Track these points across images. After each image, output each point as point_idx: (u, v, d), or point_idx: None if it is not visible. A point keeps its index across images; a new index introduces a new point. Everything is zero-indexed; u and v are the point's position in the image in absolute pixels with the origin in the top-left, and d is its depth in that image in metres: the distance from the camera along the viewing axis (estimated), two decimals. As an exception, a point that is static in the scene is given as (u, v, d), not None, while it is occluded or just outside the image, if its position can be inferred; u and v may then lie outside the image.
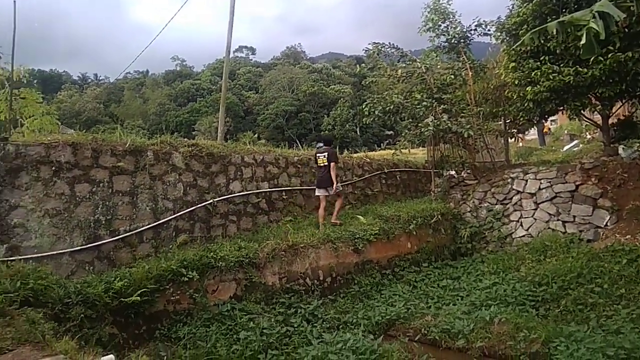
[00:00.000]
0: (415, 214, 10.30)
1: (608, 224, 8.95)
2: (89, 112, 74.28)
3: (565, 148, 20.94)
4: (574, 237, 9.09)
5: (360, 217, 9.80)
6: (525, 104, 10.33)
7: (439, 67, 12.53)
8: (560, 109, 10.88)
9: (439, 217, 10.66)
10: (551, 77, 9.27)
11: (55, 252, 6.34)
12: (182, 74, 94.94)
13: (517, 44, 8.80)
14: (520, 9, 10.17)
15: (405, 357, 5.68)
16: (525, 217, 10.24)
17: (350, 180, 11.69)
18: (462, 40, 12.90)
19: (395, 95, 11.81)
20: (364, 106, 12.24)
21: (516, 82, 10.15)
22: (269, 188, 9.72)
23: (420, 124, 11.31)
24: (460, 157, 12.36)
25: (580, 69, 8.93)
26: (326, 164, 9.39)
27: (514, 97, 10.59)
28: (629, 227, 8.49)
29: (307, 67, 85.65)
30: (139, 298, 5.75)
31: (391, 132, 55.47)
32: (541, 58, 9.56)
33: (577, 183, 9.61)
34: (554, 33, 4.44)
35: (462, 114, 11.65)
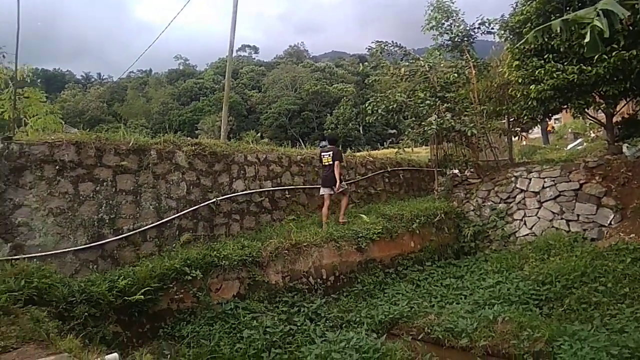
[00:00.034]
0: (418, 212, 10.29)
1: (612, 222, 8.92)
2: (93, 111, 74.59)
3: (569, 147, 20.84)
4: (577, 236, 9.07)
5: (363, 215, 9.80)
6: (529, 103, 10.29)
7: (442, 65, 12.51)
8: (564, 107, 10.84)
9: (442, 215, 10.65)
10: (555, 76, 9.23)
11: (59, 251, 6.36)
12: (185, 73, 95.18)
13: (520, 42, 8.78)
14: (524, 7, 10.12)
15: (408, 356, 5.67)
16: (528, 216, 10.22)
17: (353, 179, 11.69)
18: (465, 39, 12.85)
19: (399, 94, 11.79)
20: (367, 105, 12.22)
21: (520, 81, 10.11)
22: (272, 187, 9.72)
23: (423, 123, 11.30)
24: (463, 155, 12.34)
25: (585, 67, 8.89)
26: (331, 163, 9.40)
27: (518, 96, 10.54)
28: (633, 226, 8.46)
29: (310, 66, 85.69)
30: (142, 297, 5.76)
31: (394, 130, 55.52)
32: (545, 56, 9.52)
33: (581, 182, 9.57)
34: (558, 31, 4.43)
35: (466, 113, 11.61)
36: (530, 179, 10.46)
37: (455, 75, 11.94)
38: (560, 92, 9.69)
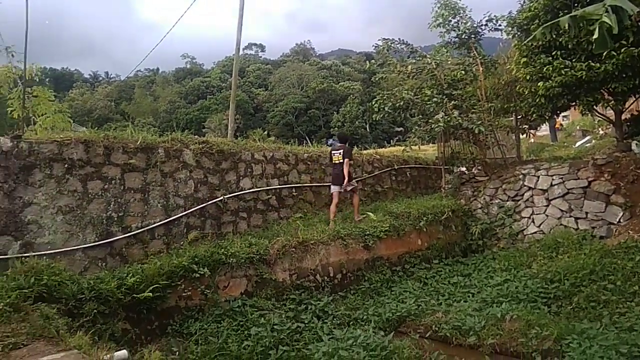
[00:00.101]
0: (425, 210, 10.26)
1: (621, 220, 8.86)
2: (101, 110, 75.00)
3: (578, 144, 20.71)
4: (586, 234, 9.00)
5: (370, 213, 9.78)
6: (537, 100, 10.22)
7: (449, 62, 12.45)
8: (572, 104, 10.76)
9: (450, 213, 10.61)
10: (563, 73, 9.16)
11: (68, 249, 6.43)
12: (192, 72, 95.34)
13: (528, 39, 8.73)
14: (531, 4, 10.05)
15: (415, 354, 5.65)
16: (536, 214, 10.16)
17: (360, 177, 11.68)
18: (472, 36, 12.78)
19: (405, 92, 11.76)
20: (373, 103, 12.21)
21: (528, 78, 10.04)
22: (279, 185, 9.74)
23: (430, 120, 11.26)
24: (471, 153, 12.30)
25: (593, 64, 8.82)
26: (341, 161, 9.40)
27: (526, 93, 10.48)
28: (642, 224, 8.40)
29: (316, 64, 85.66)
30: (151, 294, 5.79)
31: (401, 128, 55.31)
32: (553, 53, 9.45)
33: (590, 179, 9.51)
34: (566, 28, 4.41)
35: (473, 110, 11.56)
36: (538, 177, 10.40)
37: (463, 72, 11.90)
38: (569, 89, 9.62)
